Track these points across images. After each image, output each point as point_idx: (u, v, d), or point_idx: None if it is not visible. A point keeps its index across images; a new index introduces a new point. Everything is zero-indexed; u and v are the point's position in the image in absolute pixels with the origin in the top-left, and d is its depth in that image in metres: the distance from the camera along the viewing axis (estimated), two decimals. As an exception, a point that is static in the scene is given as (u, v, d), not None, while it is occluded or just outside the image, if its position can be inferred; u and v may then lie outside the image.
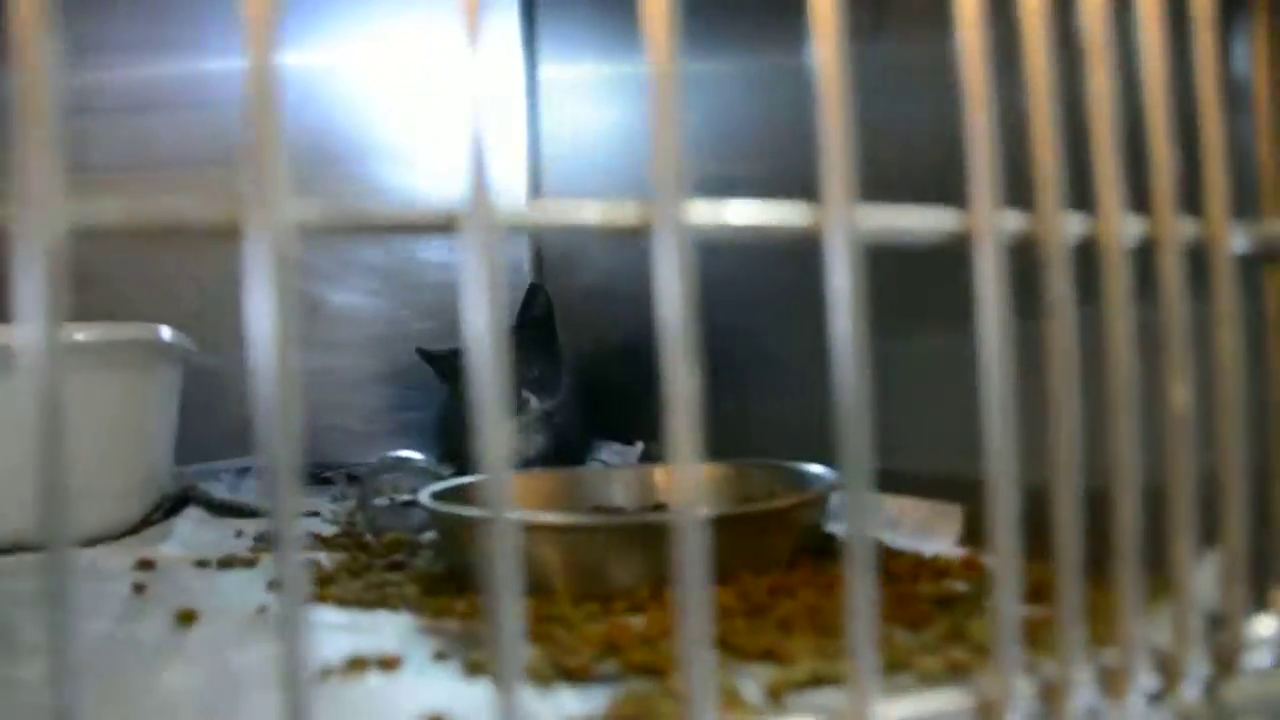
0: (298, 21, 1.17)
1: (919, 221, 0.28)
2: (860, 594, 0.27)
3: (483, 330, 0.24)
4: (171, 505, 0.87)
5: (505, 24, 1.21)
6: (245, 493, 0.97)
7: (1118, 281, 0.30)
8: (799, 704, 0.34)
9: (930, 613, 0.42)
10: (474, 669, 0.39)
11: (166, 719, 0.35)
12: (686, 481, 0.25)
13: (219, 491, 0.91)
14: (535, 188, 1.20)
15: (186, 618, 0.49)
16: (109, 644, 0.45)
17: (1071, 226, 0.29)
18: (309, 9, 1.18)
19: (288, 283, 0.22)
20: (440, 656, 0.41)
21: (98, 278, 1.00)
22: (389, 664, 0.40)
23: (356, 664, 0.40)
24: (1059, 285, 0.29)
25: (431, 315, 1.19)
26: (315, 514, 0.85)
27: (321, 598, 0.51)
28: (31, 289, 0.21)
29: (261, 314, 0.22)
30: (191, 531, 0.76)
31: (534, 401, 0.93)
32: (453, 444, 0.97)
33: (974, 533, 0.53)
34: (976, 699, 0.30)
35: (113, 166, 1.10)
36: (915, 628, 0.41)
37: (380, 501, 0.69)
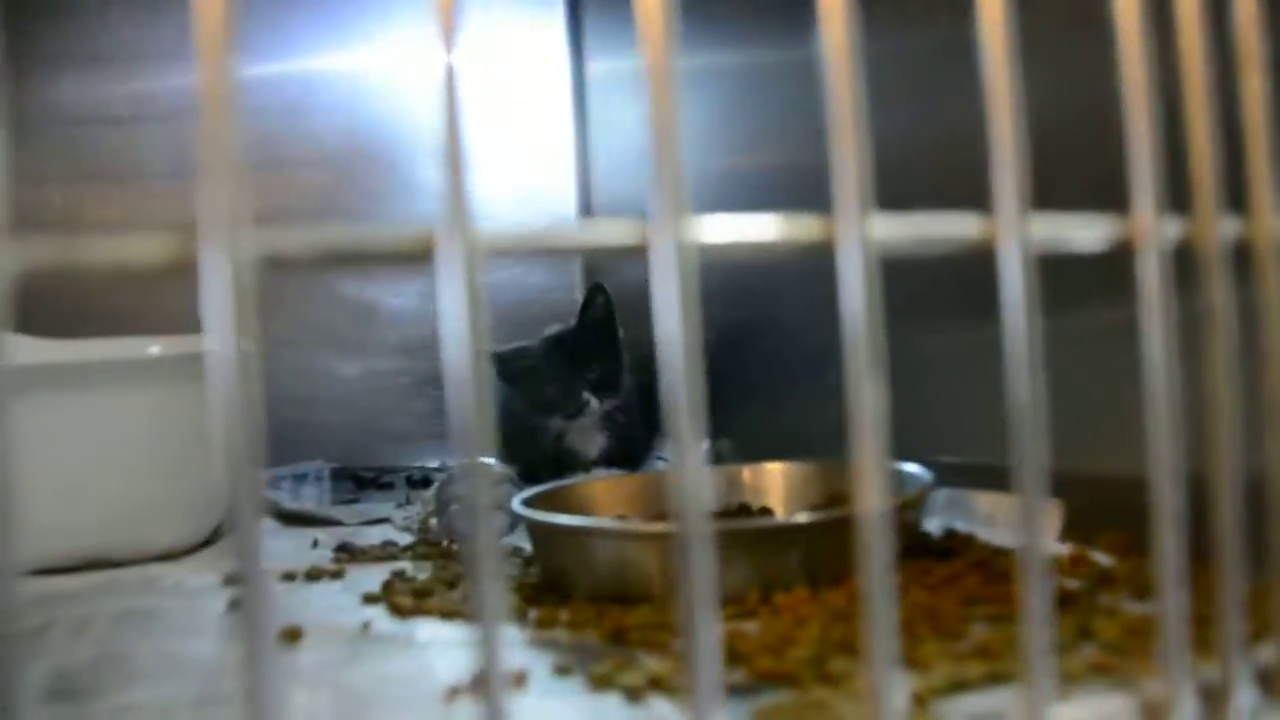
0: (346, 24, 1.18)
1: (1087, 229, 0.27)
2: (1035, 599, 0.27)
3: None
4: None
5: (550, 18, 1.21)
6: (305, 500, 0.98)
7: (1273, 281, 0.29)
8: (951, 712, 0.34)
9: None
10: (600, 683, 0.39)
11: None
12: (869, 485, 0.25)
13: (285, 501, 0.91)
14: (584, 186, 1.20)
15: (291, 636, 0.49)
16: (222, 668, 0.45)
17: (1228, 229, 0.29)
18: (356, 11, 1.18)
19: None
20: (562, 671, 0.41)
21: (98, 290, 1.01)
22: (516, 681, 0.40)
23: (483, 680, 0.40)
24: (1218, 289, 0.29)
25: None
26: (385, 520, 0.85)
27: (424, 611, 0.51)
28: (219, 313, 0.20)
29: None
30: (268, 543, 0.76)
31: (594, 402, 0.93)
32: (513, 446, 0.97)
33: (1072, 528, 0.53)
34: (1142, 701, 0.29)
35: (160, 174, 1.12)
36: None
37: (458, 509, 0.69)
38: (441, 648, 0.46)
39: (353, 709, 0.39)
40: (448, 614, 0.51)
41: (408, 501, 0.96)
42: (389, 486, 1.08)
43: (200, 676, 0.43)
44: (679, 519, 0.24)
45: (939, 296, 0.55)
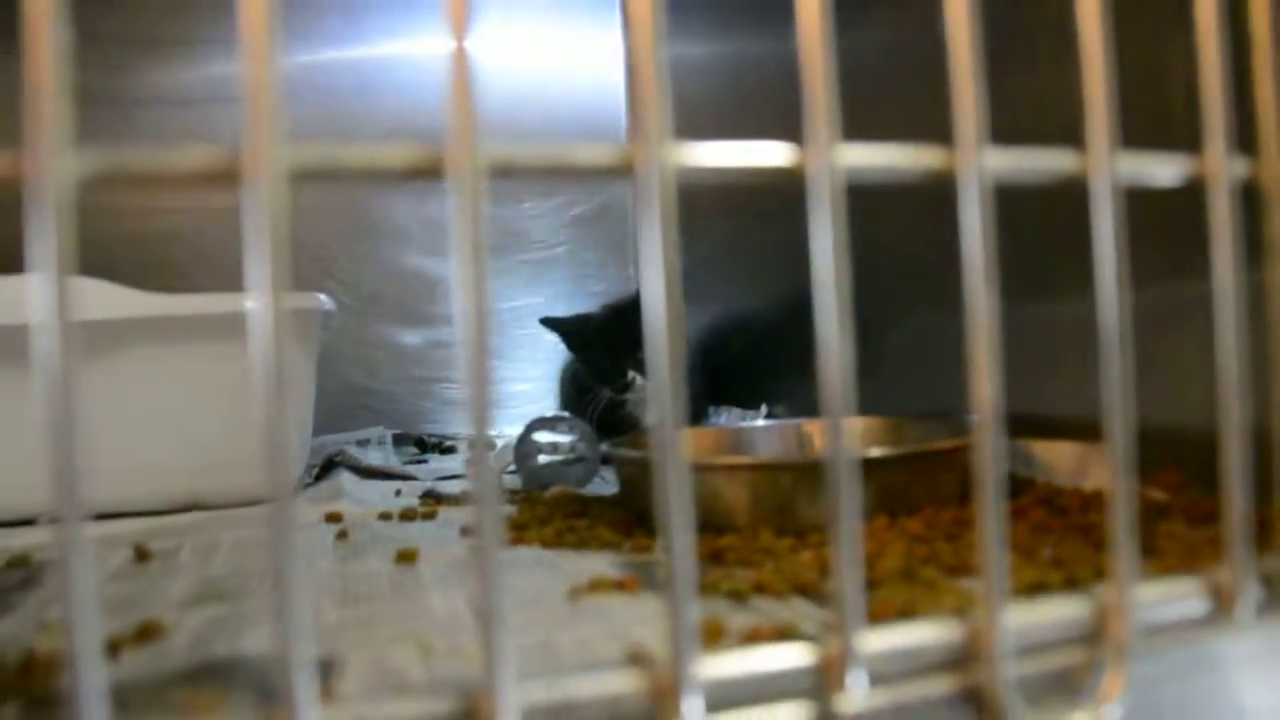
0: (413, 13, 1.22)
1: (1166, 165, 0.31)
2: (1121, 493, 0.31)
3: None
4: (319, 471, 0.93)
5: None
6: (373, 461, 1.02)
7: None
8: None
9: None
10: (706, 589, 0.43)
11: (457, 632, 0.39)
12: (987, 403, 0.29)
13: (360, 458, 0.96)
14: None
15: (407, 557, 0.53)
16: (349, 579, 0.49)
17: (1293, 168, 0.33)
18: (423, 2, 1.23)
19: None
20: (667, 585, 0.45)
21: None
22: (628, 585, 0.44)
23: (598, 584, 0.44)
24: (1278, 221, 0.33)
25: (537, 289, 1.24)
26: (457, 476, 0.89)
27: (524, 541, 0.56)
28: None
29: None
30: (356, 491, 0.81)
31: (639, 380, 0.98)
32: (575, 409, 1.01)
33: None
34: (1210, 587, 0.33)
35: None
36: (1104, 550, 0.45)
37: (543, 459, 0.74)
38: (548, 568, 0.50)
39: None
40: (547, 543, 0.55)
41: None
42: (452, 450, 1.13)
43: (336, 586, 0.48)
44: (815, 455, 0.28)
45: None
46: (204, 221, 1.16)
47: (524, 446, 0.76)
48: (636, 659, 0.29)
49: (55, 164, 0.23)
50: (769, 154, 0.29)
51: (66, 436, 0.23)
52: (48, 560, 0.56)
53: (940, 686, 0.30)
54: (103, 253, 0.61)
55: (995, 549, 0.29)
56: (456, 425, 1.22)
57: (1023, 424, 0.61)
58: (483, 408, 0.26)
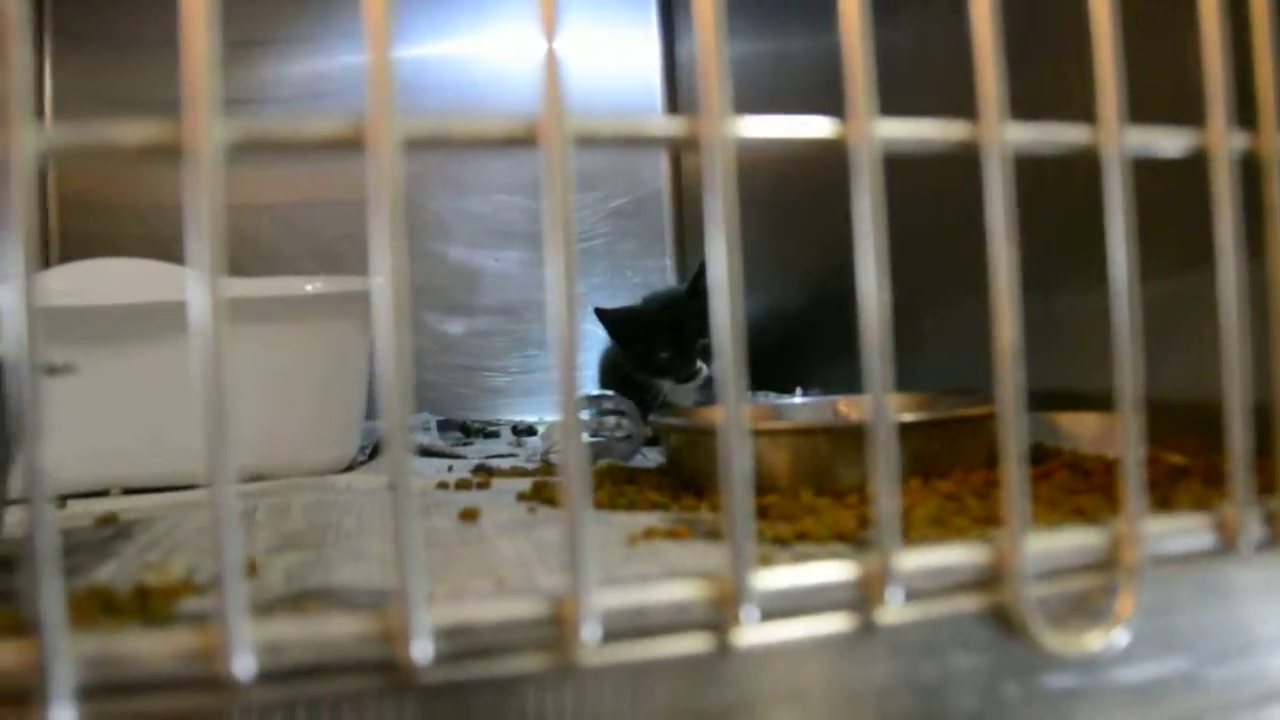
0: (456, 17, 1.27)
1: (1171, 138, 0.35)
2: (1130, 428, 0.34)
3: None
4: (371, 452, 0.97)
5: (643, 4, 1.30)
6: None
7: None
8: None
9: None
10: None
11: (529, 568, 0.43)
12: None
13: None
14: (675, 163, 1.28)
15: (470, 515, 0.57)
16: (428, 532, 0.53)
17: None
18: (465, 6, 1.28)
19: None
20: (712, 535, 0.49)
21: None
22: (679, 534, 0.48)
23: (651, 533, 0.48)
24: (1275, 189, 0.36)
25: (577, 279, 1.28)
26: (506, 456, 0.93)
27: (578, 501, 0.59)
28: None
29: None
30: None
31: (705, 369, 1.03)
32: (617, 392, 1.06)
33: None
34: (1216, 522, 0.37)
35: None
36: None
37: (590, 437, 0.77)
38: (603, 524, 0.53)
39: (553, 549, 0.47)
40: (599, 505, 0.59)
41: (519, 445, 1.05)
42: (495, 435, 1.17)
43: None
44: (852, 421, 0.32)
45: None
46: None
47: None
48: (701, 574, 0.32)
49: (209, 131, 0.27)
50: (815, 126, 0.33)
51: (219, 404, 0.27)
52: (135, 519, 0.61)
53: (969, 604, 0.34)
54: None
55: (1018, 476, 0.33)
56: (497, 412, 1.27)
57: (1057, 400, 0.65)
58: (570, 347, 0.30)
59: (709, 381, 1.05)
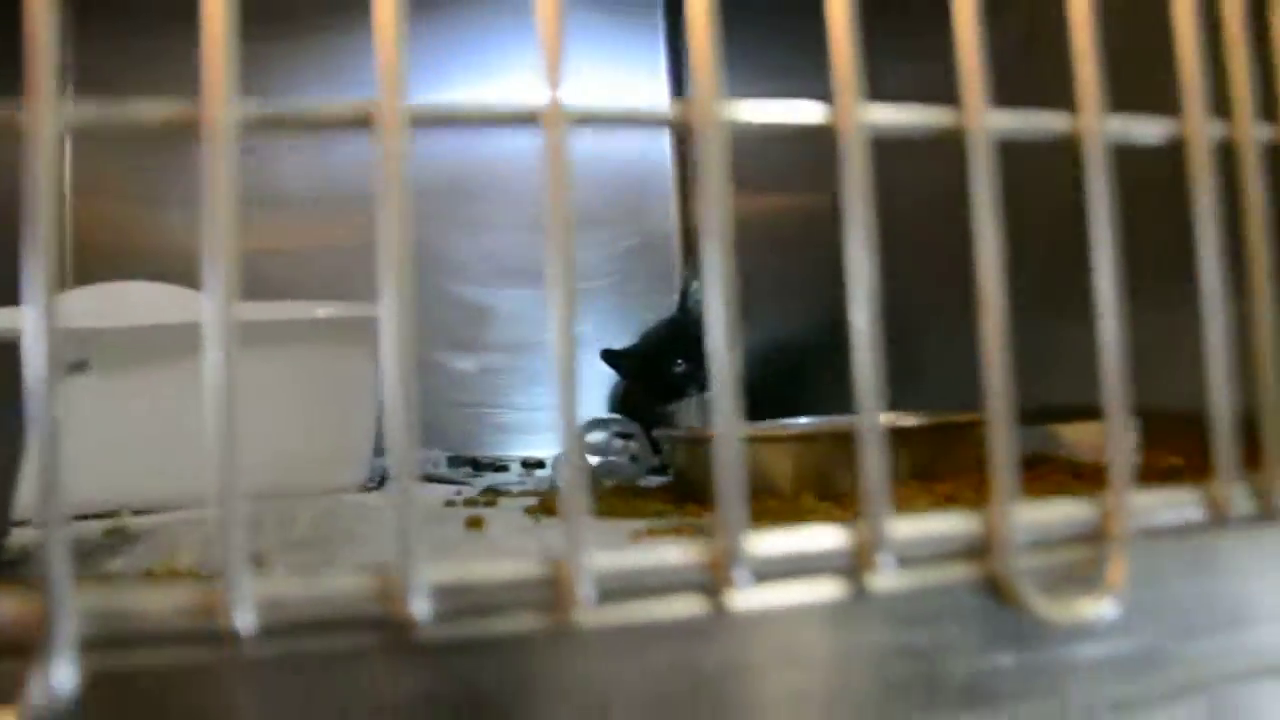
0: (466, 64, 1.30)
1: (1149, 127, 0.36)
2: (1116, 426, 0.35)
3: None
4: (379, 484, 0.98)
5: (649, 54, 1.33)
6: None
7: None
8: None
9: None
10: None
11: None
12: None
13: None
14: (684, 211, 1.30)
15: (476, 523, 0.58)
16: (426, 540, 0.54)
17: (1261, 133, 0.37)
18: (473, 52, 1.30)
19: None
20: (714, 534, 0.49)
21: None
22: (681, 531, 0.49)
23: (654, 530, 0.49)
24: (1254, 182, 0.37)
25: (583, 318, 1.29)
26: (518, 485, 0.94)
27: (583, 511, 0.60)
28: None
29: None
30: (419, 491, 0.85)
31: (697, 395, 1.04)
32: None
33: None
34: (1205, 497, 0.37)
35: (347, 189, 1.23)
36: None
37: (598, 458, 0.78)
38: (607, 531, 0.54)
39: (556, 545, 0.47)
40: (610, 514, 0.60)
41: (529, 477, 1.06)
42: (504, 469, 1.18)
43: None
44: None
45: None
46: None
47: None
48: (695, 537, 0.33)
49: (226, 109, 0.28)
50: (805, 111, 0.34)
51: (226, 422, 0.28)
52: (143, 529, 0.62)
53: (961, 572, 0.34)
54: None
55: (1006, 445, 0.34)
56: (508, 448, 1.27)
57: (1058, 415, 0.66)
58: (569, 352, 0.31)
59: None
